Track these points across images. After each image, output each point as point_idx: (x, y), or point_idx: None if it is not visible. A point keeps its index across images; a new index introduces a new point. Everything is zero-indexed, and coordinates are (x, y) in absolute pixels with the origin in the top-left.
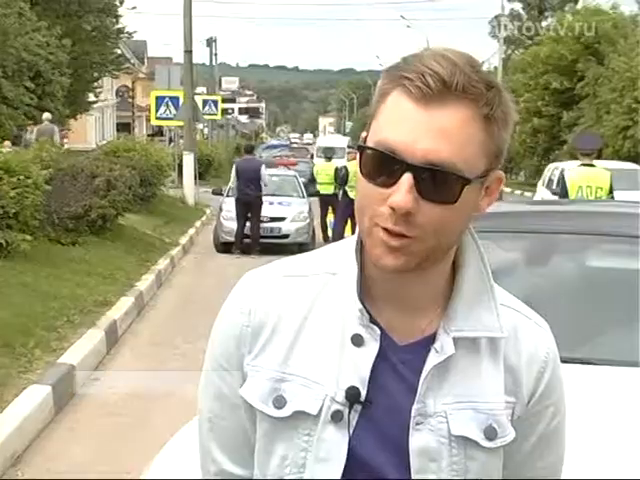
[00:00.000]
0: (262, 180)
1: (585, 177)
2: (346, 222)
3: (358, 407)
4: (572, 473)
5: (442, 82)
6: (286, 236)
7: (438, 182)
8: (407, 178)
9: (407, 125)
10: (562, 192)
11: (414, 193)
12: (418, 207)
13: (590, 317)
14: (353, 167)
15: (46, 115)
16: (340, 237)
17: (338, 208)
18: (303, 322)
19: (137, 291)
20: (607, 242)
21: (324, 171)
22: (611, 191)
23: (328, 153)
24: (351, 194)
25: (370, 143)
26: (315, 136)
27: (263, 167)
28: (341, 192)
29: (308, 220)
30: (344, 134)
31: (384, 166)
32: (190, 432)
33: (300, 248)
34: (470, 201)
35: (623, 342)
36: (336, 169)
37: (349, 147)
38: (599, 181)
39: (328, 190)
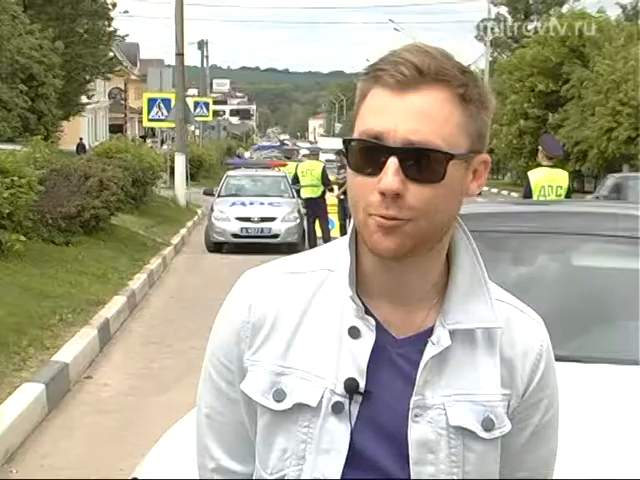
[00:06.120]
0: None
1: (548, 177)
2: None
3: (358, 398)
4: (571, 473)
5: (415, 69)
6: (276, 236)
7: (422, 162)
8: (392, 162)
9: (385, 113)
10: (526, 191)
11: (401, 175)
12: (406, 189)
13: (576, 316)
14: None
15: None
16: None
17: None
18: (302, 317)
19: (129, 290)
20: (593, 242)
21: (310, 171)
22: (569, 190)
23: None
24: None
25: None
26: (305, 138)
27: None
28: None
29: (298, 220)
30: (333, 135)
31: (369, 156)
32: (183, 427)
33: (290, 248)
34: (457, 180)
35: (610, 340)
36: (324, 168)
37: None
38: (559, 180)
39: (313, 193)
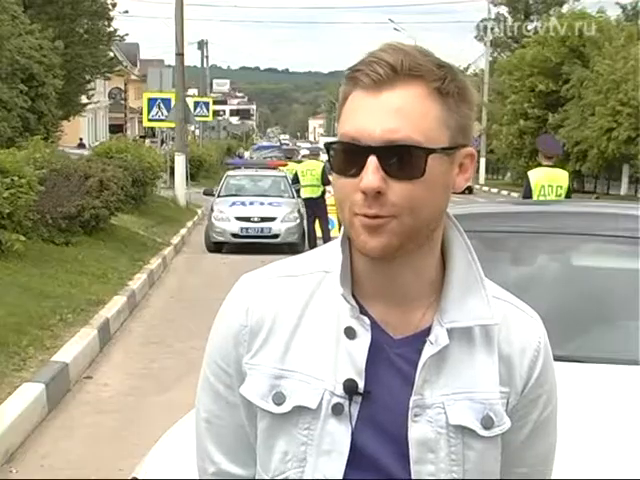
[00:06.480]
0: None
1: (547, 177)
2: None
3: (358, 399)
4: (570, 473)
5: (390, 67)
6: (276, 236)
7: (401, 159)
8: (371, 160)
9: (363, 113)
10: (526, 191)
11: (381, 173)
12: (387, 186)
13: (575, 316)
14: None
15: None
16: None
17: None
18: (299, 319)
19: (129, 290)
20: (593, 242)
21: (309, 171)
22: (569, 190)
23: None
24: None
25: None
26: (305, 138)
27: None
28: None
29: (298, 220)
30: (333, 135)
31: (350, 157)
32: (183, 427)
33: (290, 248)
34: (440, 175)
35: (610, 340)
36: (324, 168)
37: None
38: (559, 180)
39: (313, 193)
